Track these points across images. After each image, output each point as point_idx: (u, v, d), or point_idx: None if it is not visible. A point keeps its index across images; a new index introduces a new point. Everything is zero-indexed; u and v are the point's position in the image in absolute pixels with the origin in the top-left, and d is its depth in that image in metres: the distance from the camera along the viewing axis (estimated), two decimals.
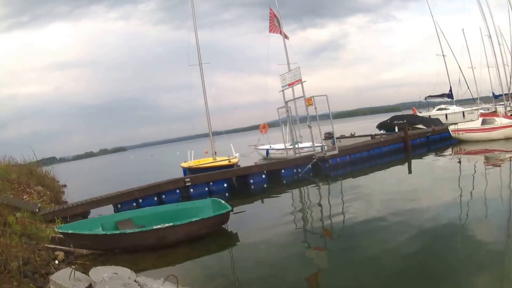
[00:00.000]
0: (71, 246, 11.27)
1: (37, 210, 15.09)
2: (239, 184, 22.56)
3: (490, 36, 44.50)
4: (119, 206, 18.51)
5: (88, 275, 7.54)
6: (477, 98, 50.41)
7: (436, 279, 7.06)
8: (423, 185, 17.00)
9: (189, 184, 20.85)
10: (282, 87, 28.24)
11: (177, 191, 20.67)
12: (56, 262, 9.93)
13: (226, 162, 25.73)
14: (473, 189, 14.14)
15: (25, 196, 18.53)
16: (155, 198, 19.65)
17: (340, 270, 8.46)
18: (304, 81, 25.92)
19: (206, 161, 27.43)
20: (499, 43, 43.67)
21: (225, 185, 21.69)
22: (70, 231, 11.26)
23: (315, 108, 25.15)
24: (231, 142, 30.14)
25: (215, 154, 28.10)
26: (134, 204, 18.68)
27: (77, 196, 21.70)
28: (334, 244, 10.71)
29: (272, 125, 35.54)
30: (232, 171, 23.36)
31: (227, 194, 20.63)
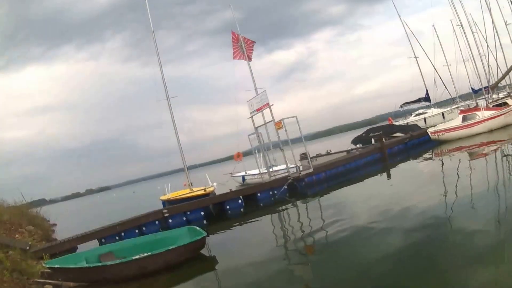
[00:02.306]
0: (60, 280, 11.92)
1: (27, 248, 15.71)
2: (216, 211, 22.89)
3: (461, 26, 43.67)
4: (103, 240, 19.12)
5: None
6: (455, 97, 50.79)
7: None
8: (403, 190, 17.38)
9: (167, 215, 21.47)
10: (251, 113, 28.76)
11: (157, 222, 21.26)
12: None
13: (202, 192, 26.03)
14: (457, 187, 14.51)
15: (16, 235, 19.27)
16: (136, 231, 20.30)
17: (326, 285, 8.46)
18: (272, 105, 26.32)
19: (183, 193, 27.75)
20: (472, 32, 43.16)
21: (202, 213, 22.14)
22: (56, 266, 11.98)
23: (286, 131, 25.62)
24: (208, 174, 30.34)
25: (191, 185, 28.45)
26: (117, 237, 19.24)
27: (66, 233, 22.16)
28: (318, 259, 10.83)
29: (246, 153, 35.83)
30: (208, 199, 23.76)
31: (204, 221, 21.11)
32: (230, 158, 35.43)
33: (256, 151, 31.42)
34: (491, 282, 6.09)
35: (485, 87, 39.23)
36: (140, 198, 53.57)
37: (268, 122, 27.27)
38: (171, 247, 12.58)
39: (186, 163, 29.99)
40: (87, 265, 12.36)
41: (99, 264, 12.45)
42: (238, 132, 31.02)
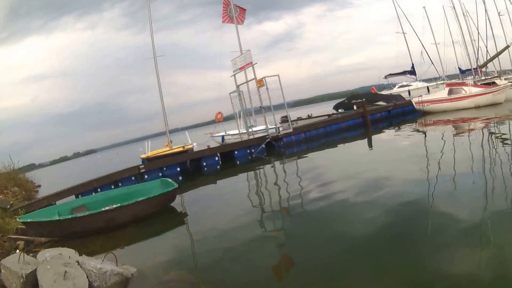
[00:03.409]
0: (32, 235, 11.73)
1: (8, 207, 15.76)
2: (193, 168, 22.97)
3: (453, 7, 43.29)
4: (79, 196, 18.88)
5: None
6: (439, 77, 49.48)
7: (403, 257, 6.72)
8: (385, 160, 16.65)
9: (143, 170, 21.47)
10: (234, 71, 28.62)
11: (133, 178, 21.27)
12: (17, 251, 10.25)
13: (181, 149, 26.12)
14: (439, 162, 13.91)
15: (0, 196, 19.63)
16: (112, 186, 20.21)
17: (299, 249, 8.09)
18: (255, 63, 26.26)
19: (163, 150, 27.89)
20: (464, 16, 42.72)
21: (178, 169, 22.31)
22: (29, 220, 11.68)
23: (267, 89, 25.50)
24: (190, 135, 30.42)
25: (171, 143, 28.62)
26: (93, 193, 18.97)
27: (48, 193, 22.15)
28: (292, 224, 10.21)
29: (228, 118, 36.03)
30: (185, 155, 23.86)
31: (180, 177, 21.05)
32: (212, 122, 35.23)
33: (237, 113, 31.31)
34: (472, 265, 5.80)
35: (474, 68, 38.76)
36: (123, 159, 53.40)
37: (250, 80, 27.22)
38: (140, 199, 12.45)
39: (168, 125, 30.01)
40: (57, 218, 12.05)
41: (69, 216, 12.15)
42: (220, 97, 31.14)
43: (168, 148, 27.84)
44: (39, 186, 32.41)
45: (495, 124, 20.78)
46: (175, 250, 9.46)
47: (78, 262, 7.77)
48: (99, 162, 76.59)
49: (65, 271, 7.22)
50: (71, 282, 7.05)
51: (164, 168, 22.24)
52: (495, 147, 15.03)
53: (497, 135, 17.79)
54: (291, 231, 9.44)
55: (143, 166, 21.79)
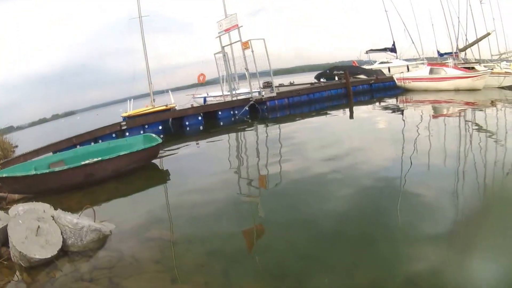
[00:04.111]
0: (5, 192, 10.97)
1: None
2: (175, 127, 22.55)
3: None
4: (59, 153, 18.26)
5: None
6: (419, 58, 47.87)
7: (373, 238, 6.41)
8: (365, 134, 16.20)
9: (124, 127, 20.81)
10: (219, 33, 27.86)
11: (114, 135, 20.59)
12: None
13: (163, 108, 25.69)
14: (416, 143, 13.45)
15: None
16: (93, 143, 19.22)
17: (273, 217, 7.85)
18: (241, 26, 25.61)
19: (145, 109, 27.25)
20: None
21: (160, 127, 21.78)
22: (4, 175, 10.88)
23: (252, 52, 24.97)
24: (173, 97, 29.91)
25: (154, 101, 28.03)
26: None
27: None
28: (269, 192, 9.87)
29: (212, 82, 35.62)
30: (167, 113, 23.27)
31: (162, 136, 19.84)
32: (197, 84, 34.57)
33: (221, 77, 30.56)
34: (441, 253, 5.57)
35: (455, 52, 38.16)
36: (103, 120, 52.59)
37: (235, 42, 26.60)
38: (122, 153, 11.80)
39: (153, 87, 29.64)
40: (34, 173, 11.23)
41: (46, 171, 11.32)
42: (205, 61, 30.40)
43: (150, 107, 27.16)
44: (16, 146, 31.49)
45: (474, 111, 20.62)
46: (155, 208, 9.03)
47: (53, 217, 7.15)
48: (78, 123, 75.72)
49: (38, 226, 6.62)
50: (44, 238, 6.48)
51: (146, 126, 21.61)
52: (471, 133, 14.82)
53: (475, 121, 17.59)
54: (267, 197, 9.17)
55: (124, 123, 21.06)
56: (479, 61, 35.58)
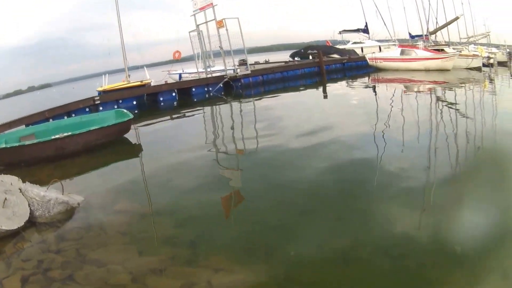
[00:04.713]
0: None
1: None
2: (149, 102, 22.43)
3: None
4: (30, 126, 17.99)
5: None
6: (390, 40, 49.44)
7: (349, 211, 6.38)
8: (338, 110, 16.49)
9: (98, 102, 20.50)
10: (194, 11, 27.52)
11: (87, 109, 20.26)
12: None
13: (139, 83, 25.41)
14: (389, 119, 13.46)
15: None
16: (65, 117, 18.89)
17: (250, 189, 7.78)
18: (216, 5, 25.35)
19: (120, 84, 26.95)
20: None
21: (134, 102, 21.59)
22: None
23: (227, 30, 24.81)
24: (150, 74, 29.59)
25: (129, 76, 27.73)
26: None
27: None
28: (245, 162, 9.97)
29: (187, 59, 35.55)
30: (142, 89, 23.14)
31: (136, 111, 19.90)
32: (173, 61, 34.31)
33: (196, 55, 30.43)
34: (412, 225, 5.59)
35: (425, 35, 38.91)
36: (79, 93, 51.91)
37: (210, 21, 26.24)
38: (93, 128, 11.70)
39: (128, 62, 28.97)
40: (3, 146, 11.06)
41: (16, 144, 11.19)
42: (181, 38, 30.03)
43: (126, 82, 26.84)
44: None
45: (444, 89, 21.03)
46: (126, 181, 8.92)
47: (20, 189, 7.03)
48: (53, 96, 74.55)
49: (5, 198, 6.50)
50: (11, 210, 6.36)
51: (120, 101, 21.30)
52: (441, 108, 15.13)
53: (444, 98, 17.93)
54: (243, 172, 9.07)
55: (98, 97, 20.76)
56: (448, 44, 36.45)
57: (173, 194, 7.74)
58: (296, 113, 16.12)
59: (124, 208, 7.09)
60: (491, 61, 33.38)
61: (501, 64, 34.15)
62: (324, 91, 24.05)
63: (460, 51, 32.84)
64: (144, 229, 6.23)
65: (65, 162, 10.68)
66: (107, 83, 28.37)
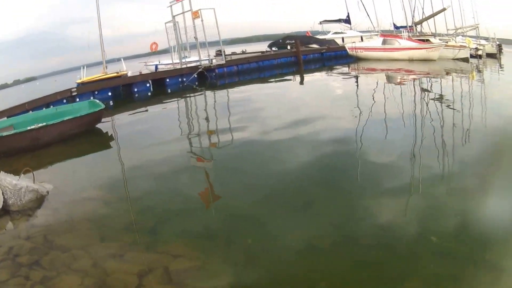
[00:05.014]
0: None
1: None
2: (124, 93, 22.54)
3: None
4: (10, 118, 18.27)
5: None
6: (373, 30, 48.56)
7: (331, 202, 6.31)
8: (314, 101, 16.07)
9: (75, 94, 20.79)
10: (170, 2, 27.48)
11: (64, 101, 20.48)
12: None
13: (115, 75, 25.36)
14: (371, 110, 13.29)
15: None
16: (44, 108, 19.49)
17: (228, 182, 7.60)
18: None
19: (98, 76, 27.17)
20: None
21: (110, 93, 21.73)
22: None
23: (202, 21, 24.92)
24: (127, 65, 29.41)
25: (106, 68, 27.93)
26: None
27: None
28: (222, 154, 9.78)
29: (165, 51, 35.33)
30: (116, 80, 23.27)
31: (111, 102, 20.53)
32: (150, 54, 34.37)
33: (172, 47, 30.28)
34: (398, 214, 5.59)
35: (410, 26, 38.25)
36: (61, 85, 51.66)
37: (186, 11, 26.29)
38: (66, 118, 11.96)
39: (107, 55, 28.60)
40: None
41: None
42: (159, 30, 30.13)
43: (103, 74, 27.07)
44: None
45: (429, 79, 20.91)
46: (94, 170, 9.20)
47: None
48: (37, 88, 74.00)
49: None
50: None
51: (96, 92, 21.45)
52: (423, 99, 15.03)
53: (427, 88, 17.83)
54: (220, 163, 9.02)
55: (75, 89, 21.04)
56: (434, 35, 36.30)
57: (140, 182, 7.87)
58: (270, 103, 16.15)
59: (90, 196, 7.31)
60: (480, 52, 32.84)
61: (490, 55, 33.83)
62: (301, 80, 24.19)
63: (447, 42, 32.62)
64: (108, 216, 6.44)
65: (40, 152, 10.93)
66: (85, 76, 28.64)
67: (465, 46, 31.61)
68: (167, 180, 7.91)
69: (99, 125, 13.46)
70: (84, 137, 12.24)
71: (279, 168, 7.93)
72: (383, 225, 5.38)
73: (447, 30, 39.62)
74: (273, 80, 24.77)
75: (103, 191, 7.57)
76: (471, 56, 31.21)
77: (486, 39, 38.26)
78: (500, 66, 28.25)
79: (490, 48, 35.32)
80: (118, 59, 32.22)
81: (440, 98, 14.78)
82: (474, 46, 32.97)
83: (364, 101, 14.76)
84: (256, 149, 9.54)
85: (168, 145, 10.75)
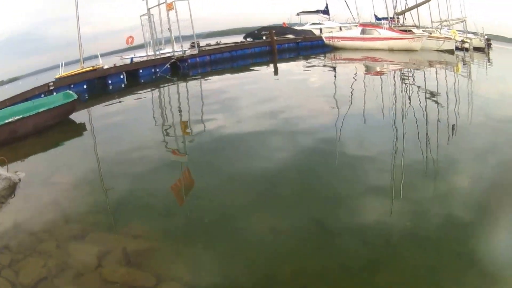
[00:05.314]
0: None
1: None
2: (99, 86, 22.81)
3: None
4: None
5: None
6: (353, 22, 48.01)
7: (308, 197, 6.14)
8: (287, 90, 16.05)
9: (52, 88, 21.22)
10: None
11: (42, 95, 21.01)
12: None
13: (91, 68, 25.46)
14: (351, 102, 13.03)
15: None
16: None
17: (202, 175, 7.36)
18: None
19: (74, 71, 27.60)
20: None
21: (85, 86, 22.02)
22: None
23: (176, 12, 25.27)
24: (108, 61, 29.60)
25: (83, 62, 28.33)
26: None
27: None
28: (196, 146, 9.56)
29: (140, 46, 35.50)
30: (91, 73, 23.53)
31: (86, 95, 20.82)
32: (130, 48, 34.65)
33: (147, 43, 30.38)
34: (383, 211, 5.43)
35: (391, 18, 38.04)
36: (42, 83, 51.40)
37: (161, 4, 26.55)
38: (41, 110, 12.30)
39: (83, 50, 28.77)
40: None
41: None
42: (137, 26, 30.31)
43: (80, 68, 27.53)
44: None
45: (409, 69, 21.16)
46: (67, 159, 9.49)
47: None
48: (20, 88, 73.17)
49: None
50: None
51: (72, 86, 21.49)
52: (404, 88, 15.22)
53: (406, 78, 18.09)
54: (194, 156, 8.75)
55: (52, 83, 21.57)
56: (417, 26, 36.19)
57: (109, 168, 8.14)
58: (242, 93, 16.25)
59: (59, 181, 7.61)
60: (466, 45, 32.94)
61: (477, 49, 33.88)
62: (275, 70, 24.33)
63: (430, 33, 32.63)
64: (74, 199, 6.64)
65: (17, 145, 11.16)
66: (63, 72, 29.09)
67: (450, 38, 31.70)
68: (135, 165, 8.08)
69: (74, 117, 13.78)
70: (59, 128, 12.53)
71: (251, 158, 7.94)
72: (355, 214, 5.39)
73: (432, 22, 40.16)
74: (246, 69, 24.95)
75: (72, 177, 7.81)
76: (457, 48, 31.42)
77: (474, 33, 38.22)
78: (489, 60, 28.36)
79: (478, 42, 35.40)
80: (96, 56, 32.63)
81: (418, 87, 14.89)
82: (459, 38, 33.12)
83: (334, 89, 14.96)
84: (227, 140, 9.40)
85: (138, 134, 10.97)
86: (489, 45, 35.77)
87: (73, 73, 26.31)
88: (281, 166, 7.37)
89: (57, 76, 27.55)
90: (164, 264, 4.58)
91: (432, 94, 13.63)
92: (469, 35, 37.06)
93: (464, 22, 40.62)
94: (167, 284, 4.25)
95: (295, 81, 18.80)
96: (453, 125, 9.57)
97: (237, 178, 7.03)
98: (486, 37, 36.90)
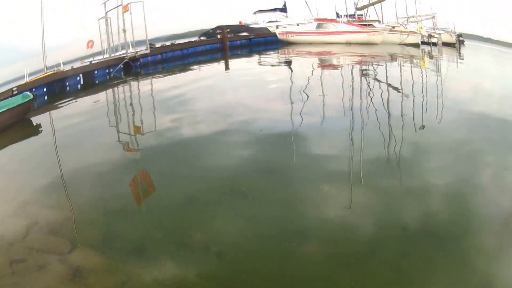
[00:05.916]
0: None
1: None
2: (58, 88, 23.51)
3: None
4: None
5: None
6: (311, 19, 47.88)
7: (271, 195, 6.18)
8: (240, 87, 16.16)
9: (15, 92, 22.29)
10: None
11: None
12: None
13: (51, 73, 25.12)
14: (308, 97, 12.94)
15: None
16: None
17: (161, 175, 7.38)
18: None
19: (37, 76, 28.66)
20: None
21: (45, 89, 22.89)
22: None
23: (130, 13, 25.99)
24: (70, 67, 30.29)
25: (46, 68, 29.37)
26: None
27: None
28: (152, 146, 9.46)
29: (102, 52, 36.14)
30: (50, 76, 24.21)
31: (45, 97, 21.62)
32: (91, 54, 35.69)
33: (105, 50, 30.10)
34: (343, 204, 5.54)
35: (351, 15, 38.35)
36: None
37: (118, 6, 27.00)
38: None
39: (46, 56, 29.50)
40: None
41: None
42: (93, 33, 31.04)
43: (43, 74, 28.73)
44: None
45: (367, 62, 21.60)
46: (19, 157, 9.89)
47: None
48: None
49: None
50: None
51: (33, 89, 21.82)
52: (359, 80, 15.77)
53: (365, 70, 18.54)
54: (151, 155, 8.74)
55: (15, 88, 22.62)
56: (379, 20, 36.36)
57: (58, 166, 8.29)
58: (192, 91, 16.27)
59: (13, 178, 8.08)
60: (434, 40, 33.11)
61: (446, 44, 34.14)
62: (227, 66, 24.99)
63: (393, 27, 32.94)
64: (24, 198, 6.79)
65: None
66: (28, 78, 30.40)
67: (415, 32, 32.02)
68: (85, 165, 8.22)
69: (32, 118, 14.33)
70: (15, 129, 13.02)
71: (217, 165, 7.61)
72: (316, 210, 5.44)
73: (397, 18, 40.23)
74: (197, 66, 25.74)
75: (21, 175, 8.23)
76: (424, 43, 31.73)
77: (445, 29, 38.53)
78: (459, 55, 28.94)
79: (449, 37, 35.75)
80: (58, 65, 33.69)
81: (367, 74, 15.52)
82: (425, 33, 33.33)
83: (297, 92, 14.47)
84: (181, 139, 9.43)
85: (94, 131, 11.27)
86: (461, 42, 36.11)
87: (35, 78, 27.77)
88: (239, 163, 7.40)
89: (23, 83, 28.96)
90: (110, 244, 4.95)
91: (392, 87, 14.21)
92: (439, 31, 37.30)
93: (433, 18, 40.71)
94: None
95: (244, 76, 19.45)
96: (404, 114, 10.02)
97: (191, 177, 7.00)
98: (457, 33, 37.28)
